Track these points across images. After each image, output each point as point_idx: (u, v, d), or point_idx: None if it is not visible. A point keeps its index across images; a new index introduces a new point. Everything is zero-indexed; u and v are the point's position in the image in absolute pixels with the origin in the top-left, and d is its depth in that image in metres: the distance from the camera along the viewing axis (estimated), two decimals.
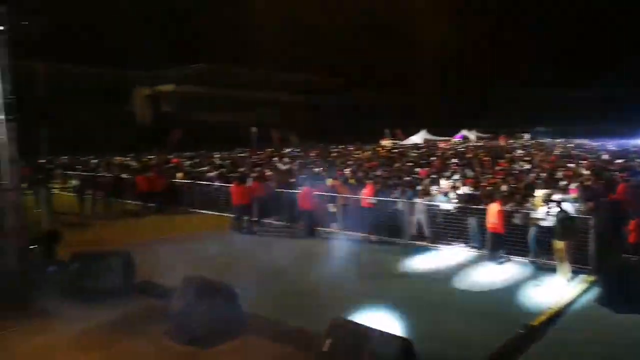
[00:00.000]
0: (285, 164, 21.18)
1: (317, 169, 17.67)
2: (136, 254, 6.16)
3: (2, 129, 6.94)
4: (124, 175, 18.31)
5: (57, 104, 35.67)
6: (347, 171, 16.03)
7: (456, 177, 13.26)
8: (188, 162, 23.73)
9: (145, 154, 30.63)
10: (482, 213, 8.71)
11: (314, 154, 27.24)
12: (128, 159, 26.72)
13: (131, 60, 44.58)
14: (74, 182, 19.46)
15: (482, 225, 8.73)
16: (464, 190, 10.68)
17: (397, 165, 19.34)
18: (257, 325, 4.72)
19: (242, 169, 18.04)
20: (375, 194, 10.68)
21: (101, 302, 5.36)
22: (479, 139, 47.72)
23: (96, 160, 25.88)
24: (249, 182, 13.11)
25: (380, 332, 3.81)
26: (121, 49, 43.23)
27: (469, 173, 14.84)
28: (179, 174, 18.12)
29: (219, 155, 27.68)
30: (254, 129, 42.52)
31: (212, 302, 4.20)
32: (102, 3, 46.57)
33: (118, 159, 26.45)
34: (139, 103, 50.39)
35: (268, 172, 16.64)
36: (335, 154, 27.65)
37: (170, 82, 50.26)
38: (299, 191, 11.69)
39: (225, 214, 12.74)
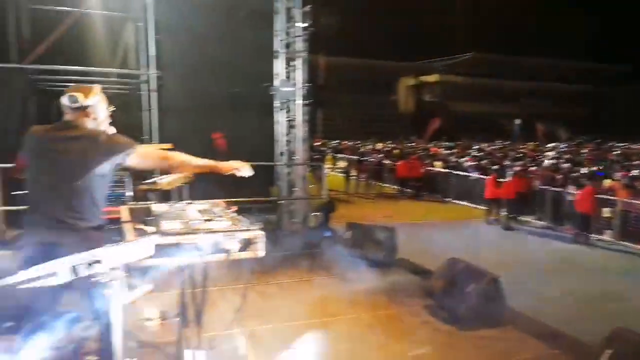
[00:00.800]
0: (550, 159, 19.45)
1: (591, 168, 15.73)
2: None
3: (299, 112, 8.23)
4: (385, 161, 19.46)
5: (331, 93, 39.96)
6: (634, 172, 13.84)
7: None
8: (446, 152, 23.86)
9: (405, 142, 31.95)
10: None
11: (586, 151, 24.30)
12: (390, 145, 28.28)
13: (401, 52, 46.86)
14: (342, 164, 21.64)
15: None
16: None
17: None
18: (519, 319, 4.59)
19: (501, 162, 17.31)
20: None
21: (368, 270, 5.92)
22: None
23: (361, 145, 28.12)
24: (509, 176, 12.53)
25: None
26: (392, 41, 45.69)
27: None
28: (437, 163, 18.38)
29: (477, 147, 27.05)
30: (517, 121, 40.09)
31: (477, 286, 4.24)
32: None
33: (381, 144, 28.23)
34: (403, 93, 52.73)
35: (530, 167, 15.56)
36: (616, 152, 24.10)
37: (437, 72, 51.10)
38: (567, 190, 10.64)
39: (481, 207, 12.47)
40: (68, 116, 2.74)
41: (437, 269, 4.91)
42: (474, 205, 13.42)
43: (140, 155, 2.70)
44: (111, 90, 7.54)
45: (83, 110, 2.70)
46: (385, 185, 18.83)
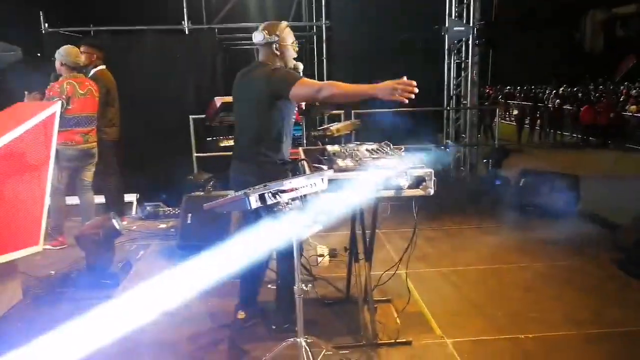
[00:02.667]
0: None
1: None
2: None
3: (470, 53, 7.81)
4: (565, 106, 17.62)
5: (506, 32, 36.72)
6: None
7: None
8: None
9: (592, 84, 28.42)
10: None
11: None
12: (572, 89, 25.40)
13: None
14: (515, 111, 20.12)
15: None
16: None
17: None
18: None
19: None
20: None
21: (543, 219, 5.55)
22: None
23: (538, 90, 25.74)
24: None
25: None
26: None
27: None
28: (633, 107, 16.07)
29: None
30: None
31: None
32: None
33: (562, 89, 25.51)
34: (590, 29, 46.40)
35: None
36: None
37: (633, 1, 43.68)
38: None
39: None
40: (260, 54, 3.00)
41: (630, 221, 4.39)
42: None
43: (300, 85, 2.71)
44: None
45: (270, 45, 2.92)
46: (565, 134, 17.13)
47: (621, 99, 19.28)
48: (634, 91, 22.70)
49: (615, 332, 3.20)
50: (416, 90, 2.50)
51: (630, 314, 3.42)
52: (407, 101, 2.48)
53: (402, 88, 2.48)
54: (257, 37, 2.91)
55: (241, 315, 3.29)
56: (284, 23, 2.98)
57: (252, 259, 2.91)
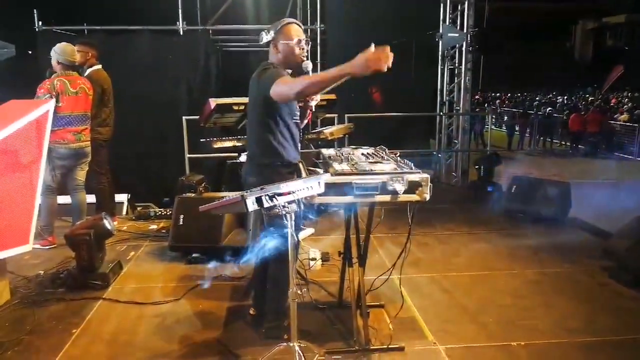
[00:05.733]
0: None
1: None
2: None
3: (464, 59, 7.87)
4: (555, 114, 17.81)
5: (499, 39, 36.94)
6: None
7: None
8: (632, 103, 20.94)
9: (581, 92, 28.75)
10: None
11: None
12: (560, 97, 25.68)
13: None
14: (505, 118, 20.28)
15: None
16: None
17: None
18: None
19: None
20: None
21: (534, 226, 5.59)
22: None
23: (529, 97, 25.98)
24: None
25: None
26: None
27: None
28: (623, 116, 16.26)
29: None
30: None
31: None
32: None
33: (550, 97, 25.77)
34: (580, 38, 46.84)
35: None
36: None
37: (622, 12, 44.16)
38: None
39: None
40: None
41: (621, 227, 4.41)
42: None
43: (277, 84, 2.64)
44: None
45: (271, 45, 2.90)
46: (554, 141, 17.30)
47: (610, 108, 19.50)
48: (626, 99, 23.00)
49: (606, 340, 3.21)
50: (391, 55, 2.37)
51: (622, 322, 3.44)
52: (385, 69, 2.35)
53: (376, 57, 2.36)
54: (260, 37, 2.91)
55: (252, 311, 3.34)
56: (286, 20, 2.93)
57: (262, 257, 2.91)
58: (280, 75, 2.70)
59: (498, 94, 29.74)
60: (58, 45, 4.73)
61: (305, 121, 3.09)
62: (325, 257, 4.50)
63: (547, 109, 18.14)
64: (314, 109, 3.09)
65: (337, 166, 2.79)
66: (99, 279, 3.95)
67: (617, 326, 3.38)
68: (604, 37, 46.32)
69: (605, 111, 17.19)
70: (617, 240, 4.28)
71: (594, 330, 3.33)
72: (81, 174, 4.98)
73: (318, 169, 2.95)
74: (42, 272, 4.16)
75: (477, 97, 26.40)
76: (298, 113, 2.99)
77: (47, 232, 4.84)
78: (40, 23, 6.86)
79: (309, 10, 8.39)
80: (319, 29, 7.79)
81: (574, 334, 3.27)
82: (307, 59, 2.90)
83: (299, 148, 3.05)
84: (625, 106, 19.20)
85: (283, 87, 2.62)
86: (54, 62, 4.72)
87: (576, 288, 4.02)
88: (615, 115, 16.87)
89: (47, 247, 4.79)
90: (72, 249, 3.99)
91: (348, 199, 2.68)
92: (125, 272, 4.30)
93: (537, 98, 24.81)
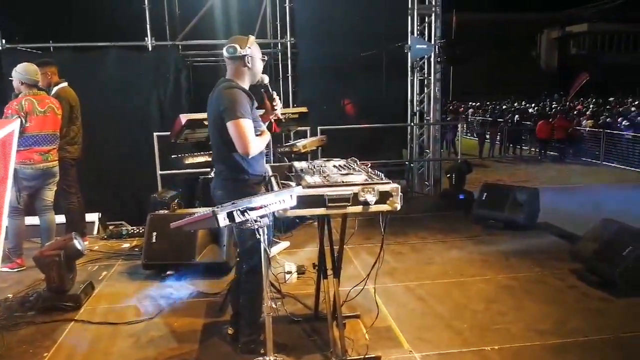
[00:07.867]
0: None
1: None
2: None
3: (433, 70, 8.02)
4: (524, 121, 18.24)
5: (467, 50, 37.68)
6: None
7: None
8: (596, 109, 21.59)
9: (547, 100, 29.52)
10: None
11: None
12: (528, 105, 26.31)
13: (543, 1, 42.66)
14: (476, 126, 20.68)
15: None
16: None
17: None
18: None
19: None
20: None
21: (505, 232, 5.70)
22: None
23: (498, 105, 26.53)
24: None
25: None
26: None
27: None
28: (588, 122, 16.74)
29: (636, 102, 24.00)
30: None
31: (636, 248, 3.85)
32: None
33: (518, 104, 26.40)
34: (545, 47, 48.17)
35: None
36: None
37: (584, 21, 45.64)
38: None
39: (637, 169, 11.17)
40: (227, 70, 2.99)
41: (588, 231, 4.53)
42: (630, 168, 12.07)
43: (232, 127, 2.74)
44: None
45: (240, 59, 2.92)
46: (524, 148, 17.70)
47: (575, 114, 20.05)
48: (592, 106, 23.68)
49: (576, 341, 3.29)
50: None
51: (590, 323, 3.53)
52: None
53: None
54: (228, 50, 2.90)
55: (230, 331, 3.28)
56: (253, 37, 3.00)
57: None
58: (235, 115, 2.73)
59: (473, 104, 30.28)
60: (20, 65, 4.64)
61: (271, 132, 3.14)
62: (300, 270, 4.50)
63: (516, 117, 18.57)
64: (279, 117, 3.17)
65: (309, 179, 2.82)
66: (70, 300, 3.87)
67: (586, 327, 3.47)
68: (567, 45, 47.75)
69: (570, 118, 17.71)
70: (585, 243, 4.39)
71: (564, 331, 3.41)
72: (49, 194, 4.88)
73: (290, 182, 2.97)
74: (11, 295, 4.05)
75: (450, 106, 26.81)
76: (262, 125, 3.03)
77: (15, 255, 4.72)
78: (3, 41, 6.74)
79: (278, 24, 8.47)
80: (289, 43, 7.86)
81: (545, 336, 3.34)
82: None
83: (265, 160, 3.08)
84: (589, 112, 19.79)
85: (235, 139, 2.75)
86: (16, 83, 4.63)
87: (546, 291, 4.11)
88: (581, 120, 17.36)
89: (16, 270, 4.67)
90: (41, 270, 3.91)
91: (320, 210, 2.71)
92: (97, 293, 4.22)
93: (504, 107, 25.39)
